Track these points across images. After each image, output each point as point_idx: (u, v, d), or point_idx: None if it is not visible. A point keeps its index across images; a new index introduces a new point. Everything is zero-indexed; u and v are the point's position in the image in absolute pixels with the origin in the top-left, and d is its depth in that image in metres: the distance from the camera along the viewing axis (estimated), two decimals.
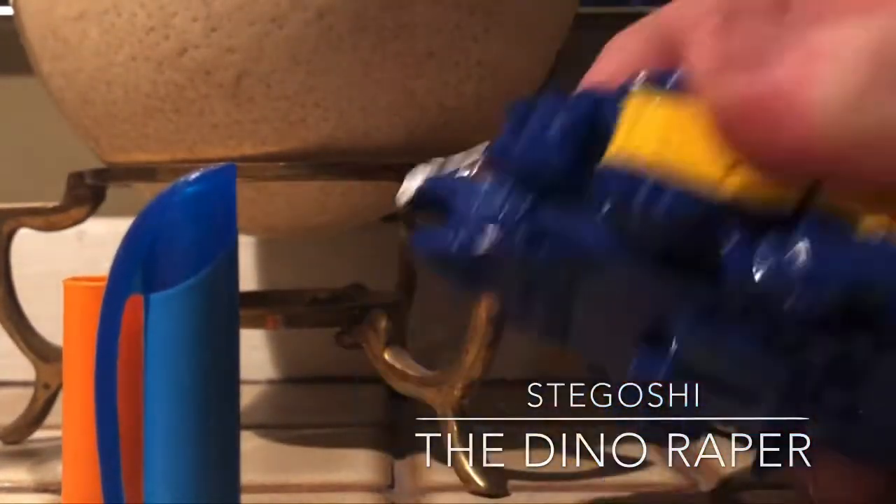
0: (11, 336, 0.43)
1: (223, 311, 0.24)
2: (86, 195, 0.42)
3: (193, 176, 0.24)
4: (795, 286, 0.22)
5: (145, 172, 0.39)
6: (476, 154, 0.28)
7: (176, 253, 0.24)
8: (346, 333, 0.41)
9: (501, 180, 0.26)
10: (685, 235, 0.23)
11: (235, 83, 0.36)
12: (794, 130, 0.21)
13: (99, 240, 0.54)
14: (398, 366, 0.39)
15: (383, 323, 0.40)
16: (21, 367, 0.44)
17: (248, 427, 0.45)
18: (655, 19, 0.27)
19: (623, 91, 0.25)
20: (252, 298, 0.48)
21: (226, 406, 0.24)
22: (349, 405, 0.50)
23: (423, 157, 0.39)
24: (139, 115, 0.38)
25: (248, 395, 0.52)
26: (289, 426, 0.46)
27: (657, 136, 0.24)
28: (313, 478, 0.38)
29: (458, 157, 0.28)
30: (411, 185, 0.28)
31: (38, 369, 0.42)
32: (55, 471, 0.38)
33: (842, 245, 0.22)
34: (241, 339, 0.25)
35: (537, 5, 0.39)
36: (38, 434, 0.43)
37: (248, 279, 0.55)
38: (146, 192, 0.42)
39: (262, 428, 0.45)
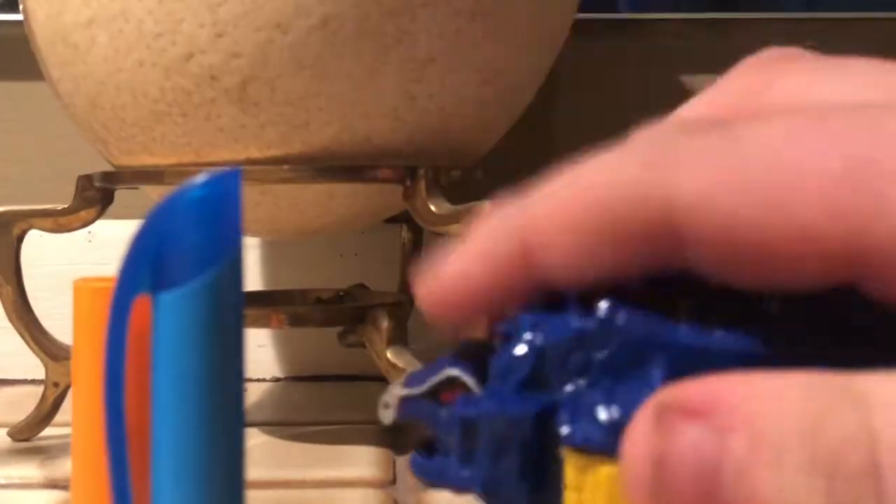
0: (22, 335, 0.43)
1: (230, 311, 0.25)
2: (95, 197, 0.42)
3: (200, 179, 0.24)
4: None
5: (153, 175, 0.39)
6: (435, 378, 0.27)
7: (183, 254, 0.24)
8: (349, 332, 0.42)
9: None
10: None
11: (241, 88, 0.37)
12: None
13: (107, 241, 0.55)
14: (400, 364, 0.39)
15: (385, 322, 0.40)
16: (31, 365, 0.45)
17: (254, 424, 0.45)
18: (514, 219, 0.22)
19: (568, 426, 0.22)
20: (257, 298, 0.48)
21: (232, 403, 0.25)
22: (352, 403, 0.51)
23: (424, 160, 0.40)
24: (147, 119, 0.38)
25: (253, 393, 0.53)
26: (293, 423, 0.46)
27: None
28: (317, 474, 0.38)
29: (419, 375, 0.28)
30: (387, 415, 0.28)
31: (47, 368, 0.43)
32: (64, 467, 0.39)
33: None
34: (247, 337, 0.25)
35: (536, 12, 0.40)
36: (48, 431, 0.43)
37: (254, 279, 0.55)
38: (154, 195, 0.42)
39: (267, 425, 0.46)
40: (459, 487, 0.25)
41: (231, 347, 0.25)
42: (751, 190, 0.18)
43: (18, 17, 0.42)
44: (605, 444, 0.22)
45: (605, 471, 0.22)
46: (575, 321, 0.22)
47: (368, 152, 0.38)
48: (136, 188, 0.43)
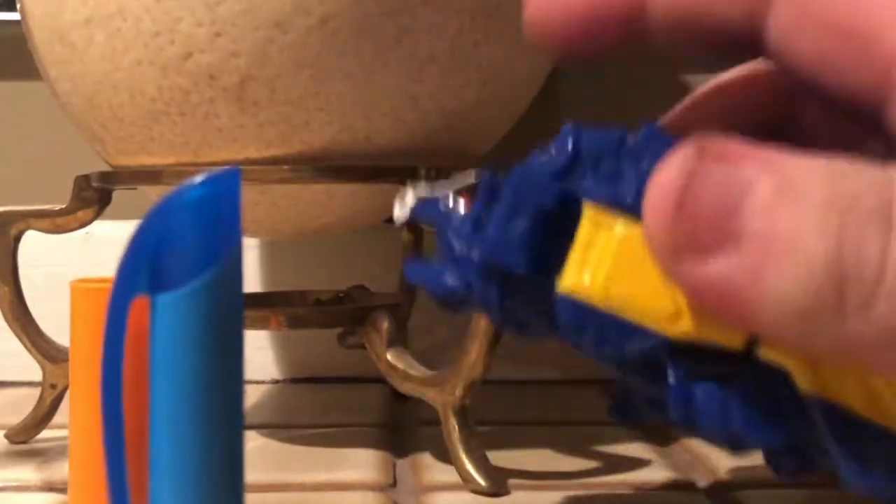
0: (19, 337, 0.43)
1: (228, 312, 0.25)
2: (92, 197, 0.42)
3: (198, 179, 0.24)
4: (732, 430, 0.23)
5: (151, 175, 0.39)
6: (461, 183, 0.28)
7: (181, 255, 0.24)
8: (348, 334, 0.42)
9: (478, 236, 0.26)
10: (633, 363, 0.24)
11: (240, 87, 0.36)
12: (745, 319, 0.21)
13: (105, 241, 0.55)
14: (400, 366, 0.39)
15: (385, 324, 0.40)
16: (28, 367, 0.45)
17: (252, 427, 0.45)
18: None
19: (591, 188, 0.25)
20: (256, 299, 0.48)
21: (230, 406, 0.25)
22: (352, 405, 0.51)
23: (424, 160, 0.39)
24: (145, 118, 0.38)
25: (252, 395, 0.53)
26: (292, 426, 0.46)
27: (608, 268, 0.24)
28: (316, 477, 0.38)
29: (445, 183, 0.28)
30: (403, 211, 0.28)
31: (44, 370, 0.43)
32: (61, 470, 0.38)
33: (782, 397, 0.23)
34: (246, 339, 0.25)
35: None
36: (45, 434, 0.43)
37: (253, 281, 0.55)
38: (152, 195, 0.42)
39: (266, 427, 0.46)
40: (451, 284, 0.26)
41: (230, 349, 0.25)
42: None
43: (16, 16, 0.42)
44: (627, 202, 0.24)
45: (619, 228, 0.24)
46: (616, 133, 0.25)
47: (368, 152, 0.38)
48: (134, 188, 0.42)
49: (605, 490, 0.36)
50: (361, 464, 0.40)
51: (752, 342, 0.23)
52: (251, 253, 0.56)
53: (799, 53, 0.23)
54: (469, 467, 0.36)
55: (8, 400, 0.52)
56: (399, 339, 0.41)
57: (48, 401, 0.43)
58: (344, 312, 0.43)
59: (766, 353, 0.23)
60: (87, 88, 0.39)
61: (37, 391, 0.43)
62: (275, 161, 0.38)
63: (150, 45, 0.36)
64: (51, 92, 0.42)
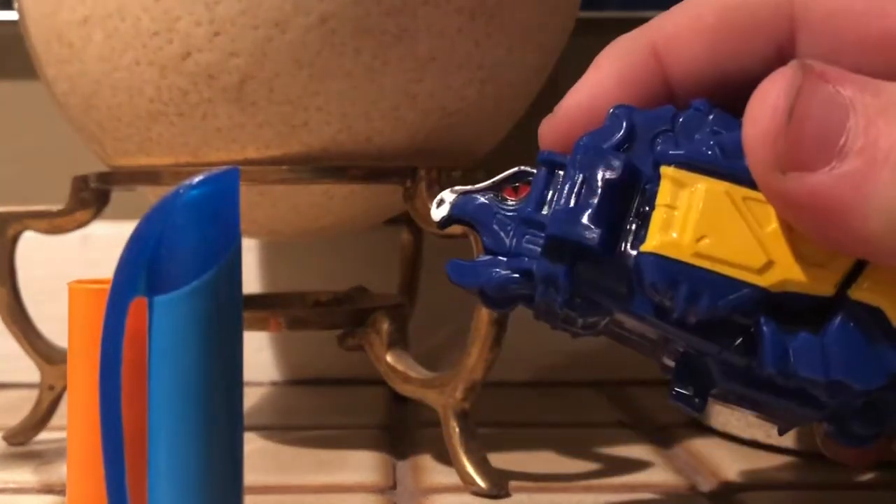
0: (16, 338, 0.43)
1: (227, 314, 0.24)
2: (90, 198, 0.42)
3: (197, 179, 0.24)
4: (832, 376, 0.23)
5: (149, 176, 0.39)
6: (503, 181, 0.28)
7: (180, 256, 0.24)
8: (348, 335, 0.42)
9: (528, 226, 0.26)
10: (723, 320, 0.24)
11: (239, 87, 0.36)
12: (848, 232, 0.22)
13: (103, 243, 0.54)
14: (400, 368, 0.39)
15: (385, 325, 0.40)
16: (26, 369, 0.45)
17: (252, 429, 0.45)
18: (643, 32, 0.27)
19: (662, 157, 0.25)
20: (255, 301, 0.48)
21: (229, 408, 0.25)
22: (352, 407, 0.50)
23: (424, 161, 0.39)
24: (143, 118, 0.38)
25: (251, 397, 0.53)
26: (291, 428, 0.46)
27: (696, 224, 0.24)
28: (316, 479, 0.38)
29: (484, 184, 0.28)
30: (440, 214, 0.28)
31: (42, 371, 0.43)
32: (60, 472, 0.38)
33: (877, 337, 0.23)
34: (245, 341, 0.25)
35: (539, 10, 0.39)
36: (43, 436, 0.43)
37: (252, 282, 0.55)
38: (150, 196, 0.42)
39: (265, 429, 0.45)
40: (505, 277, 0.26)
41: (228, 351, 0.25)
42: None
43: (13, 15, 0.42)
44: (708, 160, 0.24)
45: (702, 185, 0.24)
46: (666, 109, 0.26)
47: (368, 152, 0.38)
48: (133, 189, 0.42)
49: (606, 492, 0.36)
50: (361, 466, 0.39)
51: (843, 285, 0.23)
52: (250, 254, 0.56)
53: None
54: (470, 469, 0.36)
55: (6, 401, 0.52)
56: (399, 340, 0.40)
57: (46, 402, 0.42)
58: (343, 314, 0.43)
59: (859, 294, 0.23)
60: (84, 88, 0.39)
61: (35, 393, 0.43)
62: (274, 161, 0.38)
63: (148, 45, 0.36)
64: (48, 92, 0.42)
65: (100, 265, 0.53)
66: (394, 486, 0.37)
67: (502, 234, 0.26)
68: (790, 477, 0.38)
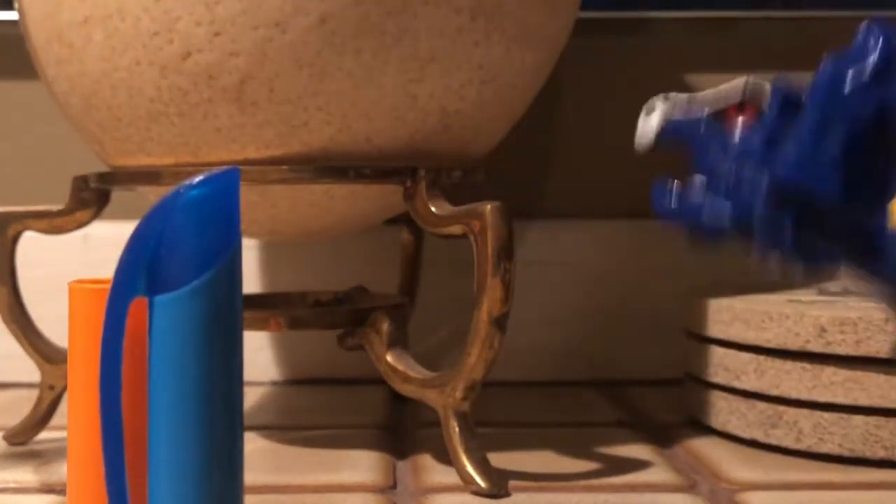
0: (17, 338, 0.43)
1: (227, 314, 0.24)
2: (90, 198, 0.42)
3: (197, 179, 0.24)
4: None
5: (149, 176, 0.39)
6: (727, 96, 0.24)
7: (180, 256, 0.24)
8: (348, 335, 0.42)
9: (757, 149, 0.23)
10: None
11: (239, 87, 0.36)
12: None
13: (103, 242, 0.54)
14: (400, 367, 0.39)
15: (385, 325, 0.40)
16: (26, 368, 0.45)
17: (252, 428, 0.45)
18: None
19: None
20: (255, 301, 0.48)
21: (229, 407, 0.25)
22: (351, 407, 0.50)
23: (424, 161, 0.39)
24: (143, 118, 0.38)
25: (251, 397, 0.52)
26: (292, 427, 0.46)
27: None
28: (316, 478, 0.38)
29: (705, 95, 0.24)
30: (649, 125, 0.25)
31: (42, 371, 0.43)
32: (60, 472, 0.38)
33: None
34: (245, 340, 0.25)
35: (538, 10, 0.39)
36: (43, 435, 0.43)
37: (252, 282, 0.55)
38: (150, 196, 0.42)
39: (266, 429, 0.45)
40: (721, 214, 0.23)
41: (228, 350, 0.25)
42: None
43: (13, 15, 0.42)
44: None
45: None
46: None
47: (368, 152, 0.38)
48: (133, 189, 0.42)
49: (606, 492, 0.36)
50: (361, 465, 0.39)
51: None
52: (250, 253, 0.56)
53: None
54: (469, 469, 0.36)
55: (6, 401, 0.52)
56: (399, 340, 0.40)
57: (46, 402, 0.42)
58: (344, 313, 0.43)
59: None
60: (85, 88, 0.39)
61: (35, 392, 0.43)
62: (274, 161, 0.38)
63: (148, 45, 0.36)
64: (49, 92, 0.42)
65: (100, 265, 0.54)
66: (394, 486, 0.37)
67: (721, 159, 0.23)
68: (788, 476, 0.38)
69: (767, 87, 0.23)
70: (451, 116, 0.39)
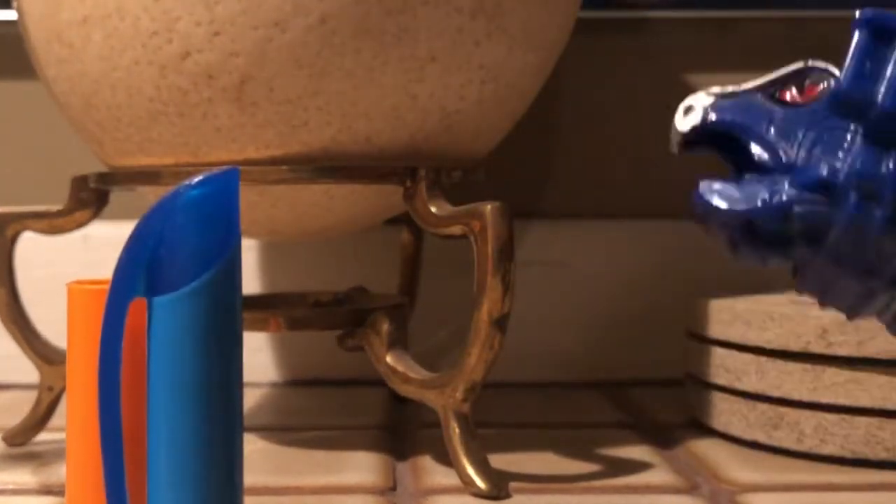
0: (15, 339, 0.43)
1: (226, 314, 0.24)
2: (90, 198, 0.42)
3: (197, 179, 0.24)
4: None
5: (149, 176, 0.39)
6: (783, 79, 0.22)
7: (179, 256, 0.24)
8: (348, 336, 0.42)
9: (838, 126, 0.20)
10: None
11: (239, 87, 0.36)
12: None
13: (103, 243, 0.54)
14: (400, 368, 0.39)
15: (385, 326, 0.40)
16: (25, 369, 0.45)
17: (251, 429, 0.45)
18: None
19: None
20: (255, 301, 0.48)
21: (229, 408, 0.25)
22: (351, 408, 0.50)
23: (424, 161, 0.39)
24: (143, 118, 0.38)
25: (251, 398, 0.52)
26: (291, 428, 0.46)
27: None
28: (316, 480, 0.38)
29: (755, 82, 0.22)
30: (688, 122, 0.22)
31: (41, 372, 0.42)
32: (59, 473, 0.38)
33: None
34: (245, 341, 0.25)
35: (539, 10, 0.39)
36: (42, 436, 0.43)
37: (251, 282, 0.55)
38: (150, 196, 0.42)
39: (265, 430, 0.45)
40: (779, 196, 0.20)
41: (228, 351, 0.25)
42: None
43: (12, 15, 0.42)
44: None
45: None
46: None
47: (368, 152, 0.38)
48: (132, 189, 0.42)
49: (606, 493, 0.36)
50: (361, 467, 0.39)
51: None
52: (250, 254, 0.56)
53: None
54: (470, 470, 0.36)
55: (5, 402, 0.52)
56: (399, 340, 0.40)
57: (45, 403, 0.42)
58: (343, 314, 0.43)
59: None
60: (84, 88, 0.39)
61: (34, 393, 0.43)
62: (274, 161, 0.38)
63: (147, 45, 0.36)
64: (48, 92, 0.42)
65: (100, 265, 0.53)
66: (394, 487, 0.37)
67: (783, 143, 0.21)
68: (790, 478, 0.38)
69: (831, 68, 0.21)
70: (451, 116, 0.39)
